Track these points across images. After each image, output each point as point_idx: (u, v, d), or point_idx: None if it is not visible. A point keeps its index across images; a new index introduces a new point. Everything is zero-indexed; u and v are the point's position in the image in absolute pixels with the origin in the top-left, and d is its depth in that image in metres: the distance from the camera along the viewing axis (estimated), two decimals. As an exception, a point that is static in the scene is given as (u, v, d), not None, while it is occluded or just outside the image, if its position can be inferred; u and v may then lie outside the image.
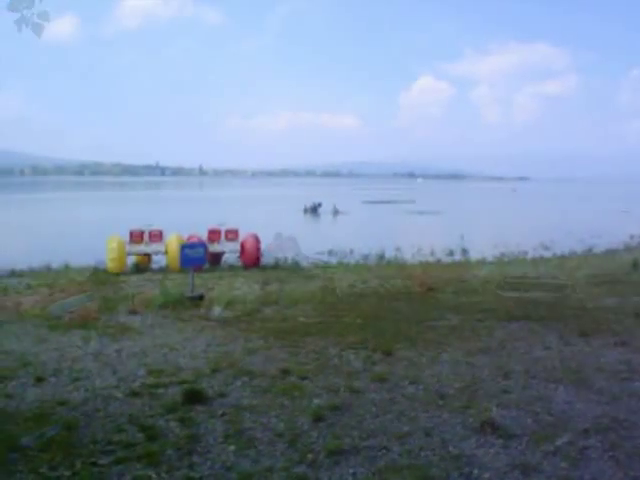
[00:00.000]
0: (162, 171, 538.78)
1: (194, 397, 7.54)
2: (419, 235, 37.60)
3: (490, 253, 26.60)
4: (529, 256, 26.93)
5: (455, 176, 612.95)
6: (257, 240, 21.47)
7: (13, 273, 19.51)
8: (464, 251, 27.69)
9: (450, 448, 6.24)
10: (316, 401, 7.55)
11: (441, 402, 7.52)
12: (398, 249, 27.39)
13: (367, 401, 7.58)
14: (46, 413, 7.20)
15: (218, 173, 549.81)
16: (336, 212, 62.46)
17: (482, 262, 24.17)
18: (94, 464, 5.90)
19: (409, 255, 26.78)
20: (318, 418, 6.95)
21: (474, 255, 26.58)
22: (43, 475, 5.70)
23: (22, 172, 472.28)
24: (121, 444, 6.32)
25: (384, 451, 6.18)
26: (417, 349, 9.92)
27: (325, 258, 25.68)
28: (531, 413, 7.16)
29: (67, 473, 5.73)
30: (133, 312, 12.79)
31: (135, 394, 7.85)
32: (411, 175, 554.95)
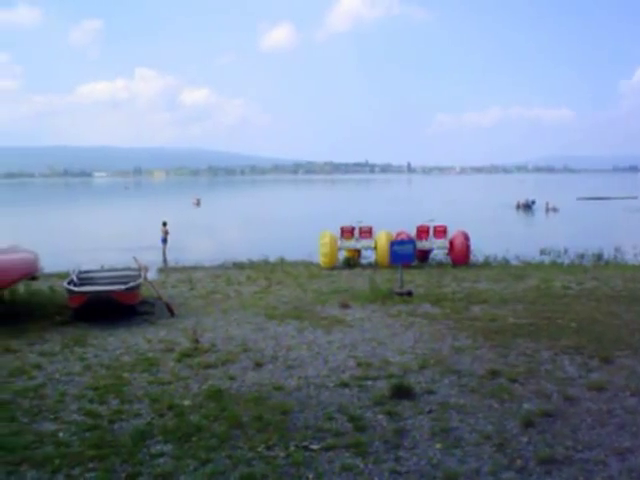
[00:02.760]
0: (371, 168, 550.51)
1: (402, 392, 7.63)
2: (643, 235, 34.58)
3: None
4: None
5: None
6: (466, 237, 21.13)
7: (236, 265, 21.04)
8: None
9: (681, 472, 5.68)
10: (526, 406, 7.28)
11: (669, 418, 6.87)
12: (618, 249, 25.36)
13: (582, 410, 7.15)
14: (263, 397, 7.71)
15: (426, 170, 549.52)
16: (549, 209, 59.48)
17: None
18: (306, 448, 6.21)
19: (631, 256, 24.76)
20: (528, 423, 6.69)
21: None
22: (260, 453, 6.11)
23: (243, 172, 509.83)
24: (331, 432, 6.59)
25: (601, 466, 5.78)
26: (640, 358, 9.17)
27: (538, 257, 24.57)
28: None
29: (282, 454, 6.09)
30: (344, 305, 13.21)
31: (345, 385, 8.12)
32: (633, 169, 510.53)
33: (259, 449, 6.19)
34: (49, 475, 5.75)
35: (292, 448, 6.20)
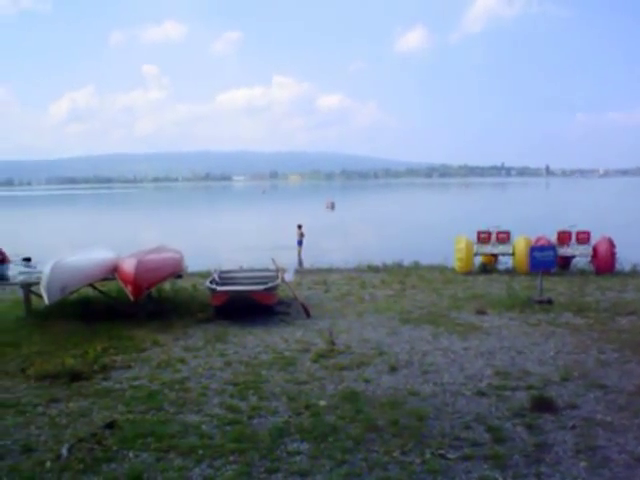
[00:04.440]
0: (507, 172, 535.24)
1: (542, 404, 7.33)
2: None
3: None
4: None
5: None
6: (612, 244, 19.96)
7: (370, 268, 21.09)
8: None
9: None
10: (684, 428, 6.75)
11: None
12: None
13: None
14: (399, 401, 7.67)
15: (566, 173, 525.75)
16: None
17: None
18: (442, 456, 6.11)
19: None
20: (687, 448, 6.20)
21: None
22: (396, 458, 6.08)
23: (376, 175, 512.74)
24: (468, 441, 6.44)
25: None
26: None
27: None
28: None
29: (417, 460, 6.03)
30: (480, 312, 12.89)
31: (482, 394, 7.92)
32: None
33: (395, 454, 6.17)
34: (193, 464, 6.03)
35: (428, 455, 6.12)
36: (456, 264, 20.30)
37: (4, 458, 6.28)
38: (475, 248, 20.45)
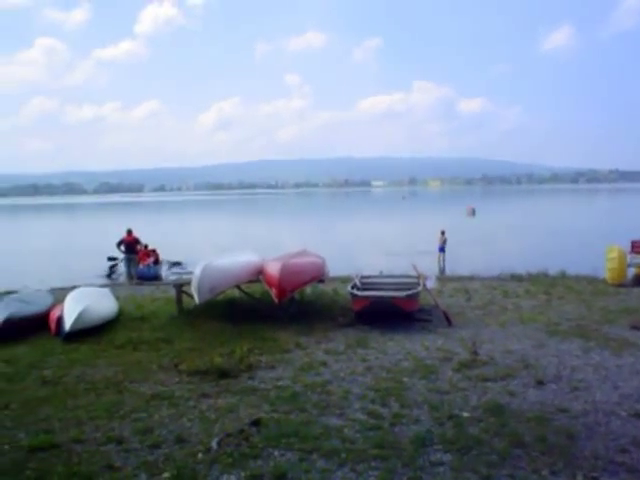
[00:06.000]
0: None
1: None
2: None
3: None
4: None
5: None
6: None
7: (513, 277, 20.41)
8: None
9: None
10: None
11: None
12: None
13: None
14: (546, 417, 7.35)
15: None
16: None
17: None
18: None
19: None
20: None
21: None
22: (544, 478, 5.83)
23: (518, 180, 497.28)
24: (625, 466, 6.04)
25: None
26: None
27: None
28: None
29: (568, 482, 5.74)
30: (635, 327, 12.06)
31: (639, 415, 7.41)
32: None
33: (543, 472, 5.91)
34: (336, 467, 6.10)
35: (580, 477, 5.80)
36: (607, 275, 19.19)
37: (160, 447, 6.69)
38: (629, 258, 19.24)
